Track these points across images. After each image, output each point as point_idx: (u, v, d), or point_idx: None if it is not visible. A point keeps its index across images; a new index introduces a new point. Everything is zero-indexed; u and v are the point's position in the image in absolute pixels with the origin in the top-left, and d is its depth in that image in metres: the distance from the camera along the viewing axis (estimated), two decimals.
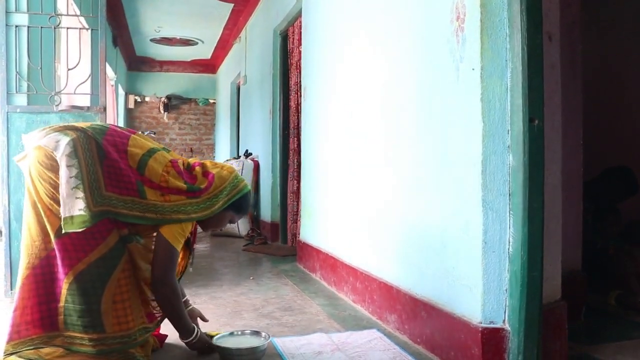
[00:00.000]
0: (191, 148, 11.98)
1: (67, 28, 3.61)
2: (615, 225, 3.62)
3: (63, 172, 1.95)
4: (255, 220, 6.74)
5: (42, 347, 1.94)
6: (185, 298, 2.47)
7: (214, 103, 12.04)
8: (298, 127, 5.28)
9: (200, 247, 5.90)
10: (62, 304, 1.97)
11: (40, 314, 1.97)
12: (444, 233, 2.31)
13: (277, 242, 5.93)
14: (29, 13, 3.41)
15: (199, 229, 2.48)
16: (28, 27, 3.41)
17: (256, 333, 2.41)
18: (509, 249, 2.04)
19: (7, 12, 3.36)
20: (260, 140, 6.82)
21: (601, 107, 4.02)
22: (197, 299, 3.33)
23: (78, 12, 4.63)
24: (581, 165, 2.93)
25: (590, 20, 3.20)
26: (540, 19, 2.05)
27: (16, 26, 3.39)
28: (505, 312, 2.05)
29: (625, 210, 3.67)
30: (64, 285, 1.96)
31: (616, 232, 3.62)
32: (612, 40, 4.21)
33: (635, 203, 3.76)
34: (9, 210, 3.32)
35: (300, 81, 5.02)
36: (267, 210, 6.27)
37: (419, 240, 2.54)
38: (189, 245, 2.40)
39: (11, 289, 3.31)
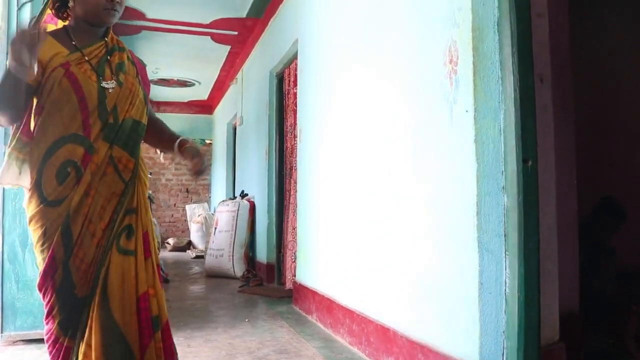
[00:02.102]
0: (187, 188, 11.98)
1: None
2: (611, 265, 3.61)
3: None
4: (251, 262, 6.70)
5: None
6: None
7: (210, 143, 12.09)
8: (294, 168, 5.30)
9: (195, 288, 5.85)
10: None
11: None
12: (440, 274, 2.30)
13: (273, 284, 5.88)
14: None
15: None
16: None
17: None
18: (505, 290, 2.03)
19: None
20: (256, 180, 6.84)
21: (593, 146, 4.06)
22: (192, 342, 3.29)
23: None
24: (576, 204, 2.93)
25: (580, 61, 3.25)
26: (531, 62, 2.09)
27: None
28: (503, 354, 2.02)
29: (624, 253, 3.67)
30: None
31: (612, 272, 3.61)
32: (603, 82, 4.27)
33: (635, 247, 3.77)
34: (2, 252, 3.29)
35: (295, 122, 5.07)
36: (263, 252, 6.24)
37: (414, 281, 2.52)
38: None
39: (2, 332, 3.27)
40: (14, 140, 1.86)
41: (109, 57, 1.95)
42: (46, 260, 1.78)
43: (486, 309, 2.03)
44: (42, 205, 1.79)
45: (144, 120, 2.02)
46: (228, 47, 7.63)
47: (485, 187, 2.06)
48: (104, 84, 1.88)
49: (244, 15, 6.35)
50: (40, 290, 1.80)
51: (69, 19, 1.97)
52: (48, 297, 1.78)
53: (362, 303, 3.14)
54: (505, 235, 2.04)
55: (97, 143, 1.85)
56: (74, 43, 1.89)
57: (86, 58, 1.88)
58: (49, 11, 2.01)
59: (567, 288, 2.79)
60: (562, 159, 2.76)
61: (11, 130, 1.91)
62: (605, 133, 4.26)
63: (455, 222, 2.20)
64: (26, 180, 1.85)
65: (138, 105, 1.98)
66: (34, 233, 1.83)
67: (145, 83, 2.11)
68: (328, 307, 3.67)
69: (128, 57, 2.02)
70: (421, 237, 2.49)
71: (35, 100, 1.86)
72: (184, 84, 9.87)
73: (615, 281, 3.58)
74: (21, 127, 1.87)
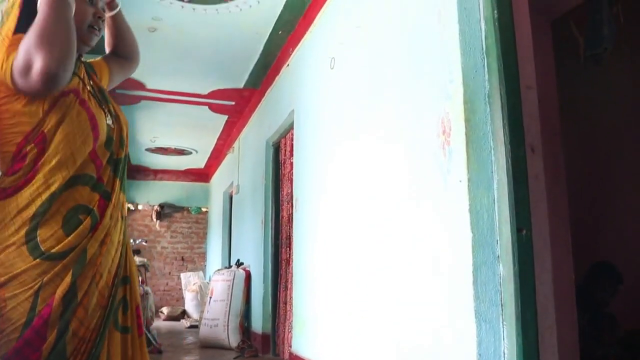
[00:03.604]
0: (182, 257, 11.89)
1: None
2: (612, 332, 3.57)
3: None
4: (246, 332, 6.58)
5: None
6: None
7: (207, 212, 12.10)
8: (290, 238, 5.29)
9: (189, 359, 5.73)
10: None
11: None
12: (438, 344, 2.27)
13: (268, 354, 5.76)
14: None
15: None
16: None
17: None
18: None
19: None
20: (252, 249, 6.81)
21: (587, 212, 4.09)
22: None
23: None
24: (572, 272, 2.92)
25: (570, 131, 3.33)
26: (521, 132, 2.14)
27: None
28: None
29: (622, 315, 3.64)
30: None
31: (614, 339, 3.57)
32: (592, 149, 4.35)
33: (633, 309, 3.74)
34: None
35: (292, 192, 5.10)
36: (259, 321, 6.14)
37: (412, 351, 2.49)
38: None
39: None
40: None
41: (91, 84, 1.73)
42: (33, 324, 1.42)
43: None
44: (38, 260, 1.46)
45: None
46: (225, 117, 7.76)
47: (481, 256, 2.07)
48: (107, 121, 1.68)
49: (241, 86, 6.50)
50: None
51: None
52: None
53: None
54: (502, 305, 2.03)
55: (113, 184, 1.66)
56: None
57: (88, 87, 1.68)
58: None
59: (568, 356, 2.74)
60: (556, 226, 2.78)
61: None
62: (598, 199, 4.30)
63: (453, 292, 2.19)
64: None
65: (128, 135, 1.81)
66: (12, 299, 1.43)
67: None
68: None
69: (95, 74, 1.82)
70: (420, 307, 2.47)
71: (26, 125, 1.53)
72: (181, 152, 9.98)
73: (617, 347, 3.54)
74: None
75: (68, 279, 1.48)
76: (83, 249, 1.53)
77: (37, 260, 1.46)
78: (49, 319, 1.44)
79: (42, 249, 1.48)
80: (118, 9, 1.86)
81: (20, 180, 1.51)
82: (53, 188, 1.52)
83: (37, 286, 1.45)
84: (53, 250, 1.48)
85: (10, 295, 1.44)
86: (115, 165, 1.69)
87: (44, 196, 1.50)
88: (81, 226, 1.53)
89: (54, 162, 1.52)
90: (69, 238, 1.51)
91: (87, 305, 1.51)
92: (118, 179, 1.69)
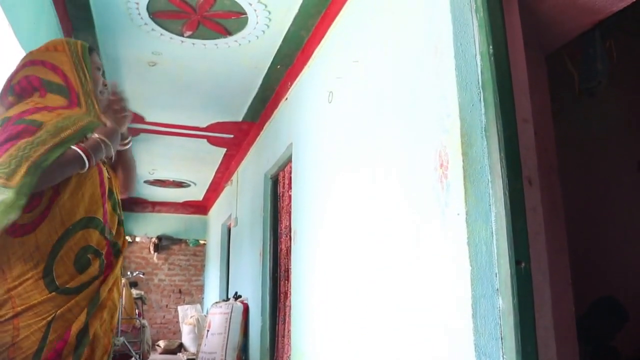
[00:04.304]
0: (180, 289, 11.81)
1: None
2: None
3: None
4: None
5: None
6: None
7: (204, 244, 12.06)
8: (288, 270, 5.27)
9: None
10: None
11: None
12: None
13: None
14: None
15: None
16: None
17: None
18: None
19: None
20: (250, 282, 6.77)
21: (585, 244, 4.09)
22: None
23: None
24: (572, 304, 2.91)
25: (567, 162, 3.35)
26: (519, 165, 2.16)
27: None
28: None
29: (621, 340, 3.63)
30: None
31: None
32: (589, 180, 4.37)
33: (632, 338, 3.72)
34: None
35: (290, 224, 5.09)
36: (257, 355, 6.07)
37: None
38: None
39: None
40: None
41: None
42: (47, 356, 1.50)
43: None
44: (54, 293, 1.56)
45: None
46: (224, 150, 7.80)
47: (480, 289, 2.06)
48: (107, 173, 1.86)
49: (240, 120, 6.54)
50: None
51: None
52: None
53: None
54: (502, 339, 2.02)
55: (120, 233, 1.81)
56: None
57: None
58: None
59: None
60: (555, 258, 2.77)
61: None
62: (596, 230, 4.31)
63: (451, 325, 2.18)
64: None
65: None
66: (26, 329, 1.49)
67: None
68: None
69: None
70: (420, 340, 2.45)
71: None
72: (179, 185, 9.99)
73: None
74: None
75: (82, 317, 1.59)
76: (96, 290, 1.65)
77: (53, 293, 1.57)
78: (62, 352, 1.53)
79: (57, 283, 1.58)
80: (129, 142, 2.02)
81: (37, 216, 1.60)
82: (68, 224, 1.63)
83: (50, 317, 1.54)
84: (67, 286, 1.59)
85: (25, 324, 1.52)
86: (121, 216, 1.85)
87: (60, 232, 1.62)
88: (91, 266, 1.65)
89: (68, 200, 1.64)
90: (81, 275, 1.62)
91: (94, 346, 1.61)
92: (123, 229, 1.85)
